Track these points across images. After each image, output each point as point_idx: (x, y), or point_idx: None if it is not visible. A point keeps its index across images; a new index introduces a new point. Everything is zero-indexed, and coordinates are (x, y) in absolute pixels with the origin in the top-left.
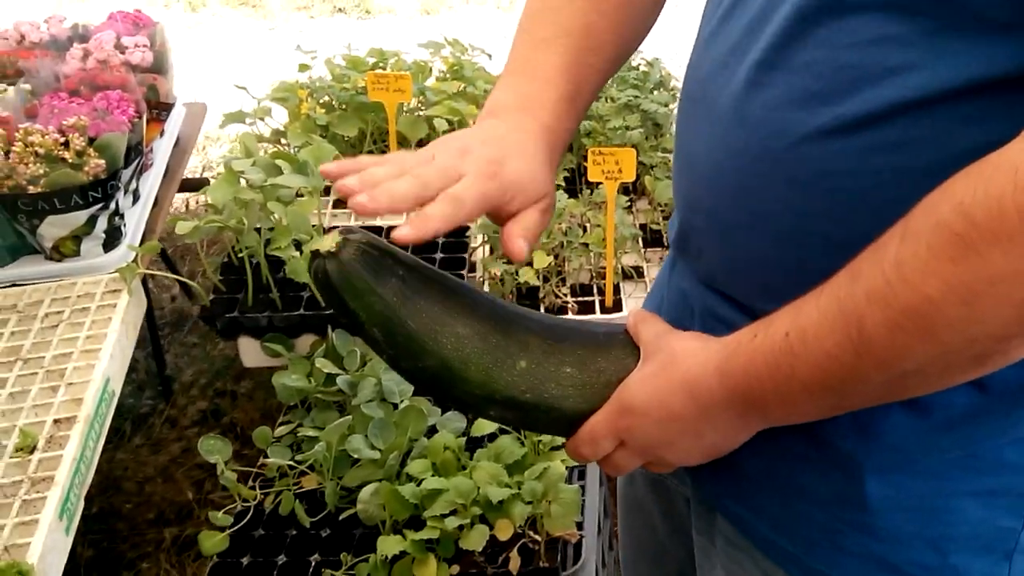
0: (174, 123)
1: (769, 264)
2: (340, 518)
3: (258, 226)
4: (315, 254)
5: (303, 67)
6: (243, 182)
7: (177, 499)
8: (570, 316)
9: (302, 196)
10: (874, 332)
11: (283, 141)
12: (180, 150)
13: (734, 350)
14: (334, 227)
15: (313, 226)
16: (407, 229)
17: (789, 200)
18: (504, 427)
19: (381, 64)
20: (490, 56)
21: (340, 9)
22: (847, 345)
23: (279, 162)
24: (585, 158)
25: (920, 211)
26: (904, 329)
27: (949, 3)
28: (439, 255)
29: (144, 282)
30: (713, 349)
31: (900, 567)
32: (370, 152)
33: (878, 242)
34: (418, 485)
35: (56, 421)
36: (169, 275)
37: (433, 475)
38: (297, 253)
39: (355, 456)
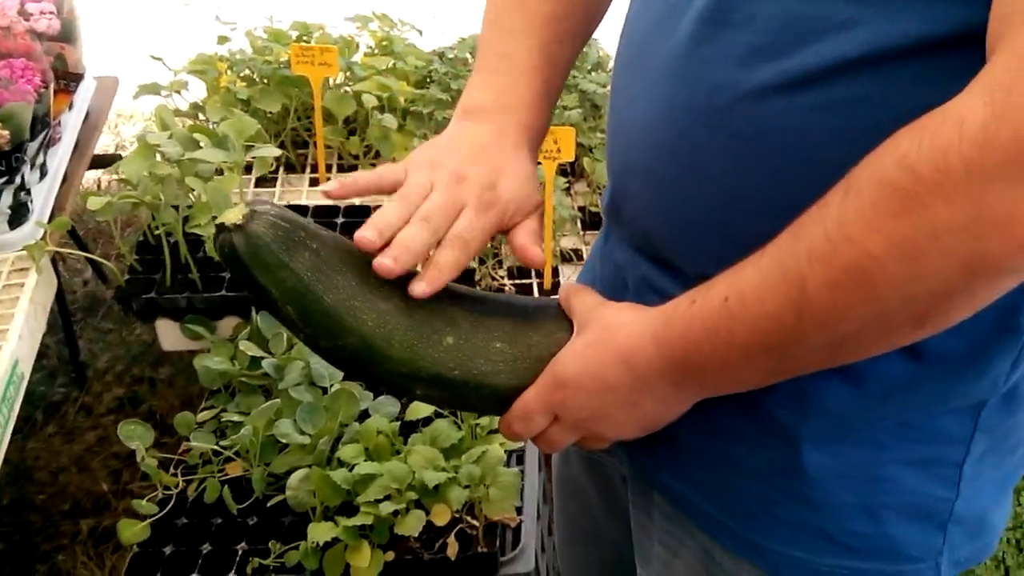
0: (83, 96)
1: (706, 225)
2: (268, 505)
3: (176, 203)
4: (220, 227)
5: (222, 39)
6: (159, 157)
7: (93, 489)
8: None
9: (222, 173)
10: (815, 292)
11: (201, 116)
12: (90, 125)
13: (670, 317)
14: (247, 200)
15: (235, 204)
16: (424, 285)
17: (728, 158)
18: (440, 411)
19: (305, 37)
20: (420, 32)
21: None
22: (788, 306)
23: (197, 136)
24: None
25: (864, 167)
26: (845, 288)
27: None
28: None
29: (54, 263)
30: (649, 317)
31: (835, 536)
32: (294, 129)
33: (821, 201)
34: (350, 470)
35: None
36: (81, 254)
37: (366, 460)
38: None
39: (283, 441)
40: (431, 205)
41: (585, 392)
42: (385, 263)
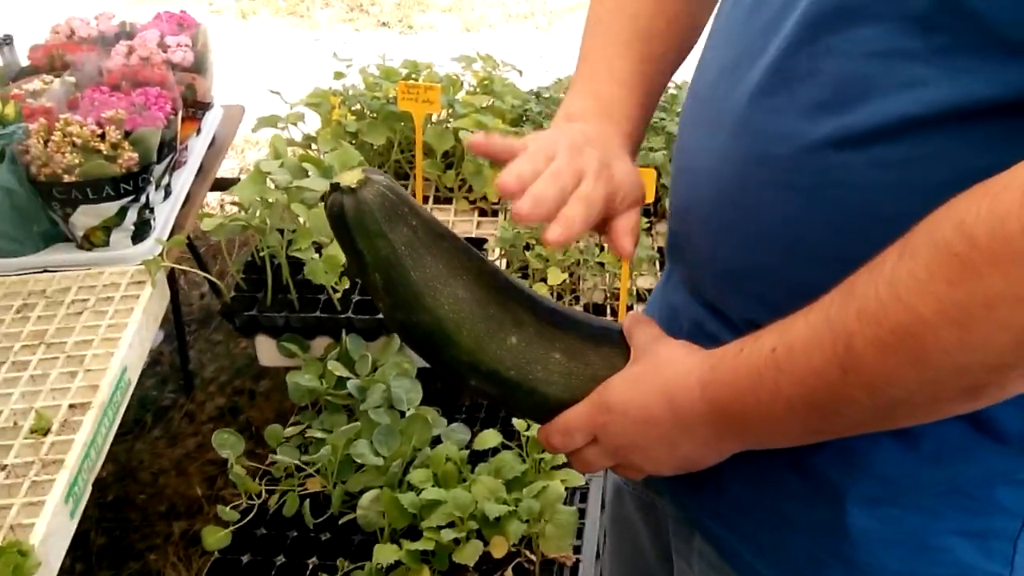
0: (210, 123)
1: (760, 275)
2: (340, 522)
3: (281, 228)
4: (334, 187)
5: (338, 75)
6: (270, 183)
7: (188, 493)
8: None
9: None
10: (862, 351)
11: (314, 147)
12: (215, 150)
13: (718, 362)
14: (364, 167)
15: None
16: (558, 230)
17: (786, 208)
18: (507, 443)
19: (414, 75)
20: (520, 73)
21: (384, 24)
22: (834, 362)
23: (306, 165)
24: None
25: (921, 229)
26: (894, 350)
27: (968, 21)
28: None
29: (173, 278)
30: (698, 359)
31: None
32: (396, 162)
33: (875, 260)
34: (418, 495)
35: (72, 406)
36: (193, 271)
37: (433, 486)
38: (317, 255)
39: (359, 461)
40: (558, 164)
41: (628, 420)
42: (523, 209)
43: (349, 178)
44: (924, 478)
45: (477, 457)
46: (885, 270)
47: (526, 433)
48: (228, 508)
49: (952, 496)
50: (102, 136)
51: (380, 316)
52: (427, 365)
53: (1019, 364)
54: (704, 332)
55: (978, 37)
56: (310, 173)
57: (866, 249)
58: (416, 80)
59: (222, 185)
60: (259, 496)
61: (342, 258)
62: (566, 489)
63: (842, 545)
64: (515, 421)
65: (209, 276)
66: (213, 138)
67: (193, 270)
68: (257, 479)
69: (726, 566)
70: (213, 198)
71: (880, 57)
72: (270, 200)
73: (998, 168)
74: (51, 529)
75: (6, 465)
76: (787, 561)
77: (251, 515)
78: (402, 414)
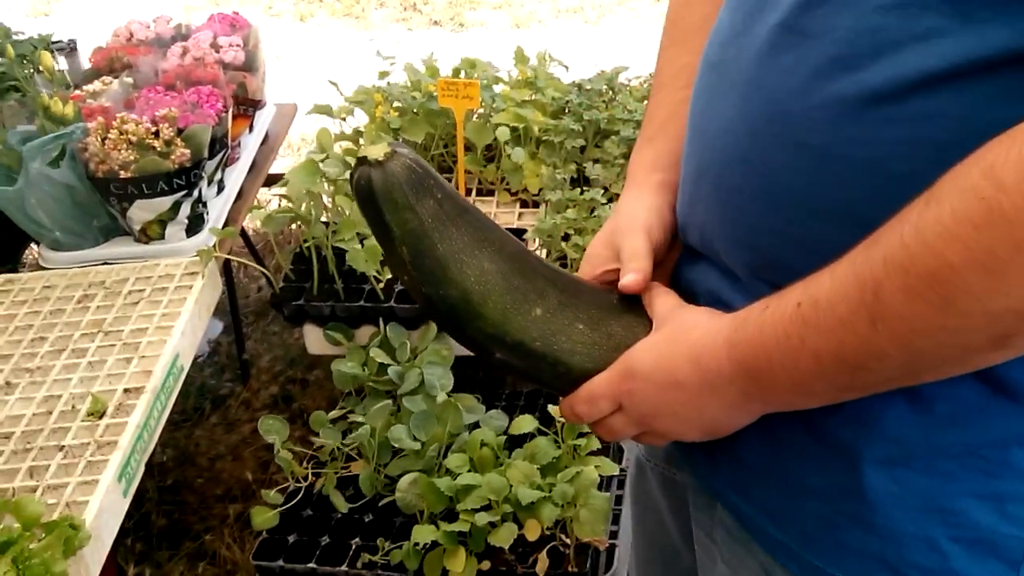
0: (263, 120)
1: (772, 232)
2: (380, 504)
3: (326, 220)
4: (361, 160)
5: (383, 73)
6: (320, 177)
7: (243, 477)
8: None
9: None
10: (890, 299)
11: (360, 141)
12: (268, 147)
13: (743, 321)
14: (390, 142)
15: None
16: (634, 277)
17: (799, 166)
18: (543, 428)
19: (470, 75)
20: (567, 68)
21: (436, 22)
22: (862, 312)
23: (349, 158)
24: None
25: (948, 178)
26: (922, 297)
27: None
28: None
29: (229, 271)
30: (723, 320)
31: (897, 567)
32: (441, 155)
33: (903, 210)
34: (454, 479)
35: (126, 390)
36: (245, 261)
37: (469, 470)
38: (359, 245)
39: (397, 446)
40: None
41: (654, 386)
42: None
43: (376, 151)
44: (939, 440)
45: (514, 443)
46: (911, 218)
47: (561, 419)
48: (274, 492)
49: (968, 458)
50: (156, 133)
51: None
52: (467, 353)
53: None
54: (720, 301)
55: None
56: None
57: (881, 207)
58: (470, 77)
59: (275, 181)
60: (306, 479)
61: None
62: (602, 476)
63: (859, 508)
64: (551, 408)
65: (261, 268)
66: (266, 135)
67: (241, 260)
68: (304, 463)
69: (746, 535)
70: (267, 195)
71: (895, 10)
72: (316, 192)
73: (1016, 121)
74: (104, 507)
75: (64, 446)
76: (803, 526)
77: (298, 497)
78: (436, 400)
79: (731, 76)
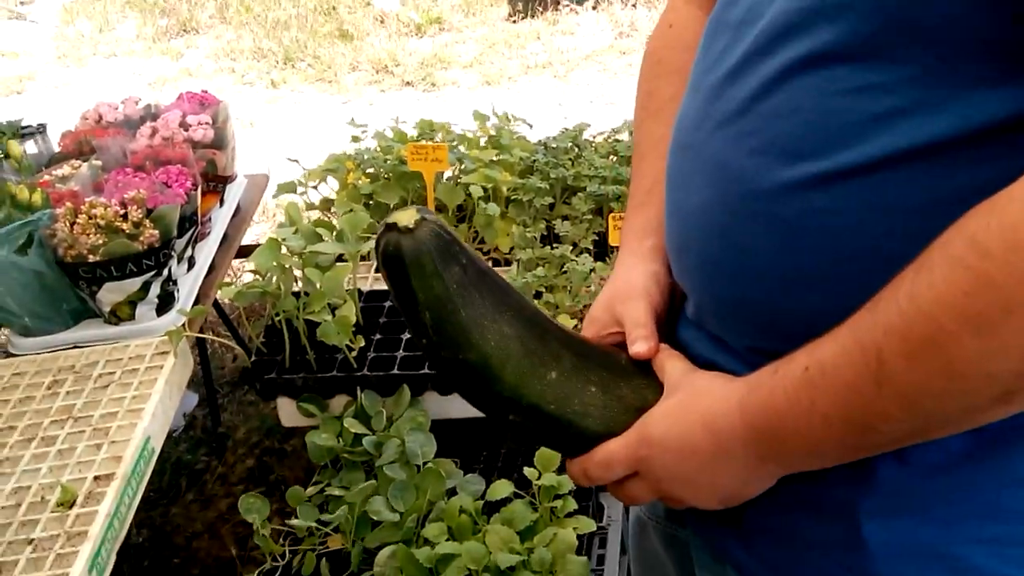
0: (233, 193)
1: (760, 306)
2: None
3: (296, 292)
4: (390, 227)
5: (354, 139)
6: (285, 250)
7: (222, 554)
8: None
9: (344, 260)
10: (892, 364)
11: (333, 209)
12: (239, 219)
13: (755, 384)
14: (414, 206)
15: (347, 290)
16: (644, 345)
17: (776, 242)
18: (518, 492)
19: (428, 134)
20: (531, 126)
21: (408, 83)
22: (867, 376)
23: (319, 230)
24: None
25: (935, 247)
26: (922, 361)
27: (926, 47)
28: None
29: (202, 342)
30: (735, 385)
31: None
32: None
33: (895, 278)
34: (433, 549)
35: (96, 478)
36: (217, 339)
37: (448, 539)
38: (330, 316)
39: (376, 518)
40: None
41: (669, 453)
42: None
43: (405, 218)
44: (932, 489)
45: (492, 507)
46: (904, 285)
47: (538, 482)
48: (256, 573)
49: (963, 504)
50: (125, 216)
51: (395, 372)
52: (443, 416)
53: None
54: (713, 365)
55: (943, 64)
56: (324, 238)
57: (861, 271)
58: (432, 139)
59: (248, 252)
60: (283, 557)
61: (353, 318)
62: (581, 536)
63: (860, 559)
64: (527, 469)
65: (230, 343)
66: (237, 207)
67: (211, 337)
68: (282, 539)
69: None
70: (240, 264)
71: (856, 93)
72: (285, 265)
73: (985, 185)
74: None
75: (33, 539)
76: None
77: (276, 575)
78: (418, 468)
79: (702, 157)
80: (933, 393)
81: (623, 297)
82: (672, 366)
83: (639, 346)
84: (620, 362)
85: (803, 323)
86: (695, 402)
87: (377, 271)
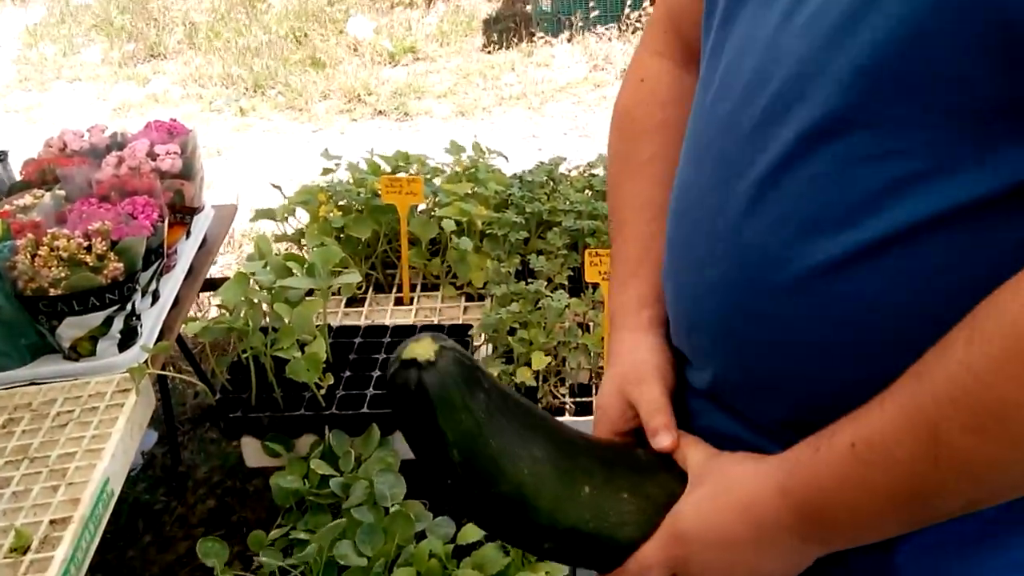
0: (200, 225)
1: (799, 379)
2: None
3: (264, 327)
4: (409, 363)
5: (326, 171)
6: (254, 284)
7: None
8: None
9: (314, 296)
10: (951, 439)
11: (303, 241)
12: (205, 251)
13: (795, 466)
14: (426, 333)
15: (317, 326)
16: (668, 438)
17: (801, 322)
18: (490, 537)
19: (403, 166)
20: (507, 159)
21: (381, 112)
22: (922, 451)
23: (290, 264)
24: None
25: (986, 315)
26: (987, 434)
27: (950, 108)
28: None
29: (164, 379)
30: (771, 467)
31: None
32: (385, 251)
33: (941, 345)
34: None
35: (52, 521)
36: (180, 376)
37: None
38: (299, 353)
39: (343, 563)
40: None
41: (707, 547)
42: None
43: (423, 351)
44: (960, 522)
45: (463, 551)
46: (957, 355)
47: None
48: None
49: (992, 537)
50: (88, 248)
51: (364, 410)
52: (412, 457)
53: None
54: (735, 440)
55: (956, 125)
56: (295, 272)
57: (898, 341)
58: (408, 172)
59: (214, 284)
60: None
61: (323, 355)
62: None
63: None
64: None
65: (192, 379)
66: (204, 239)
67: (173, 374)
68: None
69: None
70: (206, 299)
71: (876, 161)
72: (254, 300)
73: (1006, 250)
74: None
75: None
76: None
77: None
78: (386, 511)
79: (715, 233)
80: (999, 465)
81: (634, 380)
82: (694, 453)
83: (663, 439)
84: (641, 459)
85: (840, 395)
86: (729, 491)
87: (348, 305)
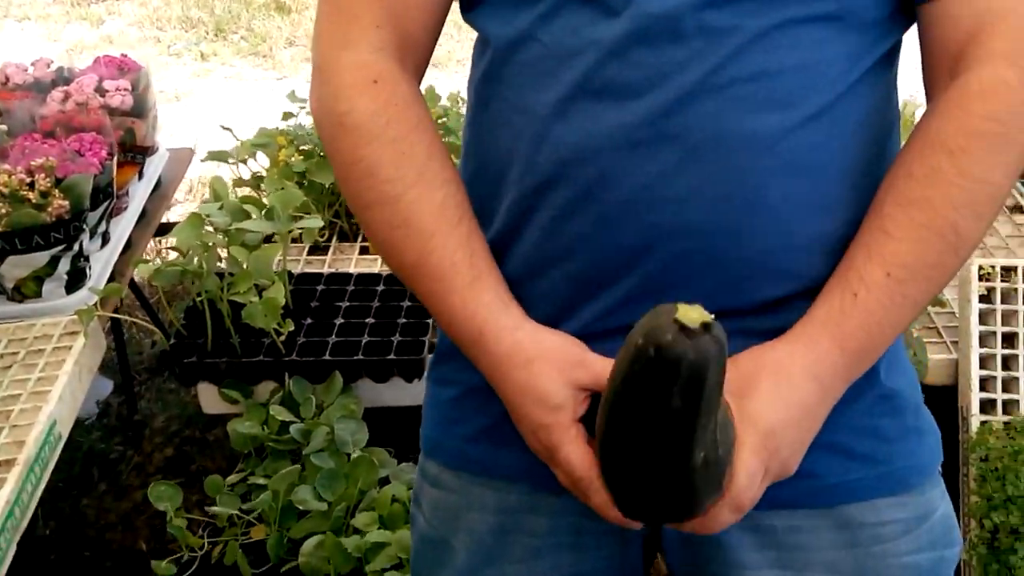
0: (154, 167)
1: (825, 231)
2: (282, 570)
3: (220, 272)
4: (684, 328)
5: (286, 115)
6: (209, 227)
7: (135, 547)
8: None
9: (273, 241)
10: (966, 228)
11: (262, 187)
12: (160, 194)
13: (840, 317)
14: (679, 304)
15: (276, 272)
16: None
17: (780, 181)
18: None
19: None
20: None
21: None
22: (946, 250)
23: (247, 207)
24: None
25: (949, 134)
26: (986, 214)
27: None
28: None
29: (118, 325)
30: (809, 330)
31: None
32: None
33: (929, 171)
34: (363, 537)
35: None
36: (132, 319)
37: (379, 528)
38: (256, 298)
39: (302, 508)
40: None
41: (793, 426)
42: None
43: (696, 315)
44: None
45: None
46: (950, 166)
47: None
48: (166, 563)
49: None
50: (31, 185)
51: (326, 357)
52: (377, 404)
53: None
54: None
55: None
56: (252, 215)
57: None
58: None
59: (170, 230)
60: (201, 548)
61: (282, 300)
62: None
63: None
64: None
65: (149, 326)
66: (158, 182)
67: (125, 318)
68: (201, 530)
69: None
70: (161, 244)
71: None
72: (209, 243)
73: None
74: None
75: None
76: None
77: (194, 567)
78: (348, 457)
79: (681, 140)
80: (984, 230)
81: (572, 362)
82: (733, 367)
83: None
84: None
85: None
86: (784, 369)
87: (310, 253)
